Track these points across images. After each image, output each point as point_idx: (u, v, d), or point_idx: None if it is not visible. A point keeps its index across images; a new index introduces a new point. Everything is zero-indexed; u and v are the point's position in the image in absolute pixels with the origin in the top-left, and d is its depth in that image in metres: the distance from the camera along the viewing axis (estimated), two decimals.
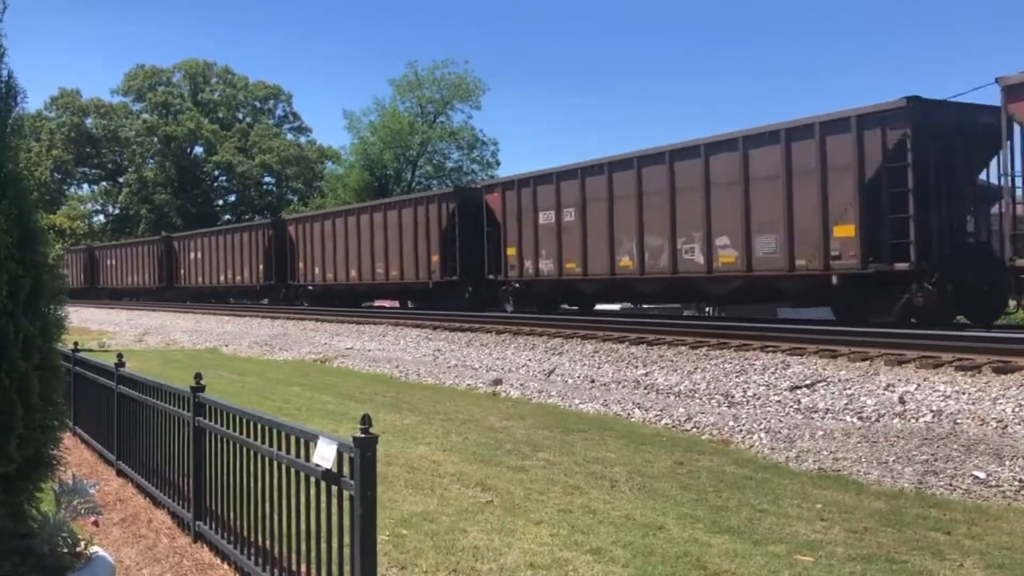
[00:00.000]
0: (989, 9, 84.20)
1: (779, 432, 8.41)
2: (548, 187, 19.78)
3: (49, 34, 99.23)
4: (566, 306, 22.26)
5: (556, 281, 20.01)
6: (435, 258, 23.50)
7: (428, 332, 19.53)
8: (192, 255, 39.91)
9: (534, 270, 20.29)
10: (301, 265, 31.18)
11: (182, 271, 40.85)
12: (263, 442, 4.24)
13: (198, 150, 67.74)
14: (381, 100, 54.30)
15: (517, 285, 21.30)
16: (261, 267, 33.49)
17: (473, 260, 22.28)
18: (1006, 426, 8.02)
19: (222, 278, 36.93)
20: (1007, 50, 77.86)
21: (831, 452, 7.59)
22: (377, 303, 32.69)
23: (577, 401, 10.88)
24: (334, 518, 3.60)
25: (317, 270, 30.15)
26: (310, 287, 31.39)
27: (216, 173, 67.84)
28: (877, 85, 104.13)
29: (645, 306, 23.68)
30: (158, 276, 42.51)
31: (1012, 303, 13.53)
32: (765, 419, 9.04)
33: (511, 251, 20.90)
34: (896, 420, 8.68)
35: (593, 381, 12.49)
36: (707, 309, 24.86)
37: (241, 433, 4.53)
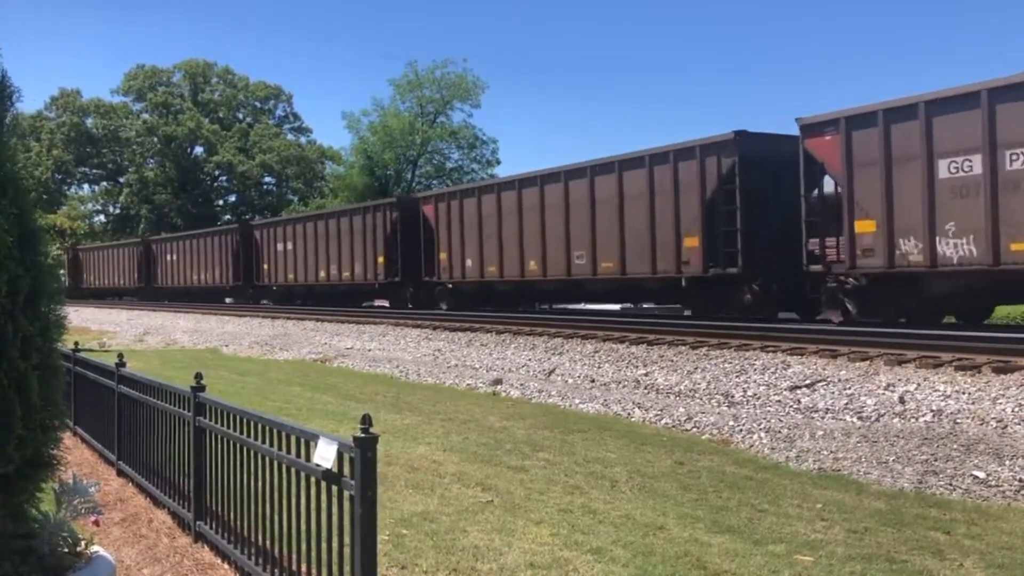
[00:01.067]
0: (989, 8, 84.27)
1: (779, 432, 8.41)
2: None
3: (49, 34, 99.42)
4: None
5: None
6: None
7: (428, 332, 19.54)
8: (168, 257, 42.27)
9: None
10: (265, 267, 33.64)
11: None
12: (263, 442, 4.24)
13: (198, 150, 67.77)
14: (380, 101, 54.51)
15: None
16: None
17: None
18: (1006, 426, 8.03)
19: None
20: (1008, 50, 77.89)
21: (831, 452, 7.59)
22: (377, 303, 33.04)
23: (577, 401, 10.88)
24: (334, 518, 3.60)
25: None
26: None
27: (216, 173, 67.84)
28: (878, 85, 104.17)
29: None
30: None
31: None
32: (765, 419, 9.04)
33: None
34: (896, 420, 8.69)
35: (593, 381, 12.49)
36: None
37: (242, 433, 4.53)
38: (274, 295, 34.09)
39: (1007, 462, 6.81)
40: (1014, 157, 11.77)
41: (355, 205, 32.69)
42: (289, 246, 31.51)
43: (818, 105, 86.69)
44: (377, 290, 27.06)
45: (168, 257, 42.08)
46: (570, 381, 12.76)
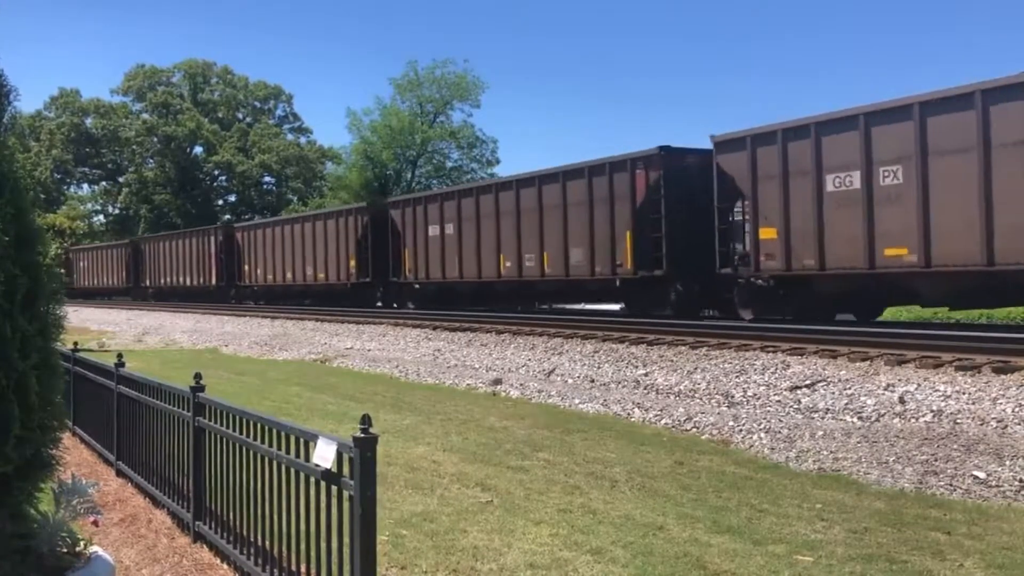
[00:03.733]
0: (989, 8, 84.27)
1: (779, 432, 8.41)
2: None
3: (49, 34, 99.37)
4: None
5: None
6: (352, 263, 27.31)
7: (428, 332, 19.53)
8: (155, 258, 43.15)
9: (425, 274, 24.16)
10: (247, 268, 34.99)
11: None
12: (263, 442, 4.24)
13: (198, 150, 67.74)
14: (382, 99, 54.39)
15: (417, 287, 25.07)
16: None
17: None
18: (1006, 426, 8.02)
19: (180, 279, 40.20)
20: (1008, 47, 77.88)
21: (831, 452, 7.59)
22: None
23: (577, 401, 10.87)
24: (334, 518, 3.60)
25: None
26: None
27: (216, 173, 67.82)
28: (878, 85, 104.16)
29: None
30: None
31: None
32: (765, 419, 9.03)
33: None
34: (896, 420, 8.68)
35: (593, 381, 12.49)
36: (708, 311, 26.28)
37: (241, 433, 4.52)
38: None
39: (1007, 462, 6.80)
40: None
41: (330, 209, 34.19)
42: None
43: (818, 105, 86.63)
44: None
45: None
46: (570, 381, 12.76)
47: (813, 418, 9.16)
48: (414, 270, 24.57)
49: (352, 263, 27.20)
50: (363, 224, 26.97)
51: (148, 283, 43.78)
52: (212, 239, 37.08)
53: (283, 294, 33.77)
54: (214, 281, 36.77)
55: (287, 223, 32.53)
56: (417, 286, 24.97)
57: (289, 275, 31.38)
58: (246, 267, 34.87)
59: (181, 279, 39.95)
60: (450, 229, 22.78)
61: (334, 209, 32.28)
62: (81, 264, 51.88)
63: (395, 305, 26.32)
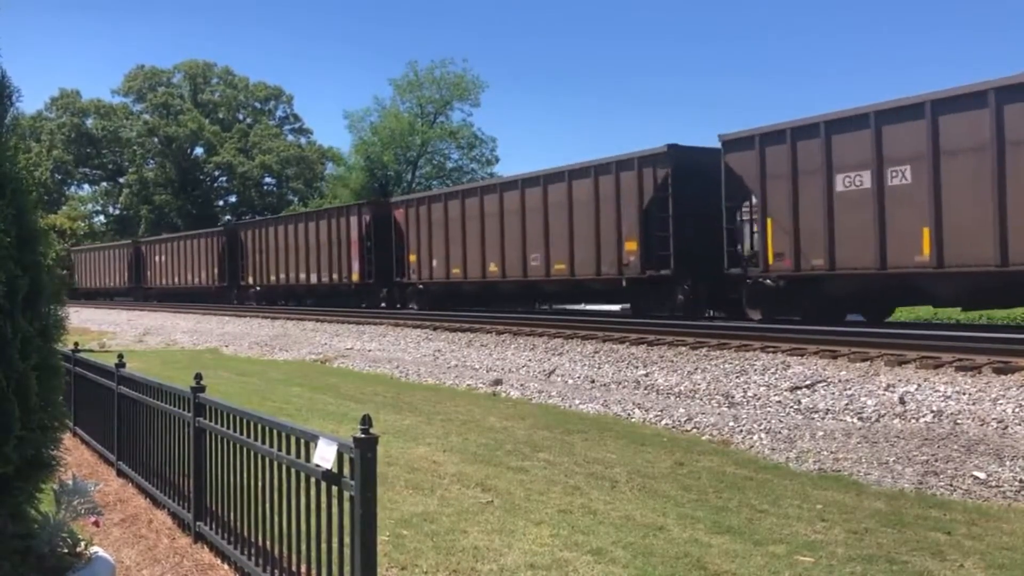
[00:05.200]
0: (989, 8, 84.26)
1: (779, 432, 8.41)
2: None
3: (49, 34, 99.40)
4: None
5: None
6: (356, 263, 27.24)
7: (428, 332, 19.53)
8: (157, 258, 43.27)
9: (429, 274, 24.09)
10: (250, 268, 34.84)
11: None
12: (263, 442, 4.24)
13: (199, 151, 67.75)
14: (382, 100, 54.42)
15: (421, 287, 24.98)
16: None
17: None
18: (1006, 426, 8.02)
19: (184, 280, 40.14)
20: (1009, 45, 77.88)
21: (831, 452, 7.59)
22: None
23: (577, 401, 10.87)
24: (334, 519, 3.60)
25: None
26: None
27: (216, 174, 67.82)
28: (878, 84, 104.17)
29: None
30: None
31: None
32: (765, 419, 9.03)
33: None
34: (896, 420, 8.68)
35: (593, 381, 12.49)
36: (709, 311, 26.21)
37: (241, 433, 4.52)
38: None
39: (1007, 463, 6.80)
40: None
41: (329, 208, 33.99)
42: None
43: (818, 105, 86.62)
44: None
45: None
46: (570, 382, 12.76)
47: (813, 418, 9.16)
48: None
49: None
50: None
51: (150, 284, 43.96)
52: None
53: (286, 294, 33.75)
54: (216, 282, 36.82)
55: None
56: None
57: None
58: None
59: (185, 280, 39.93)
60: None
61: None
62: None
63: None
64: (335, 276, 28.31)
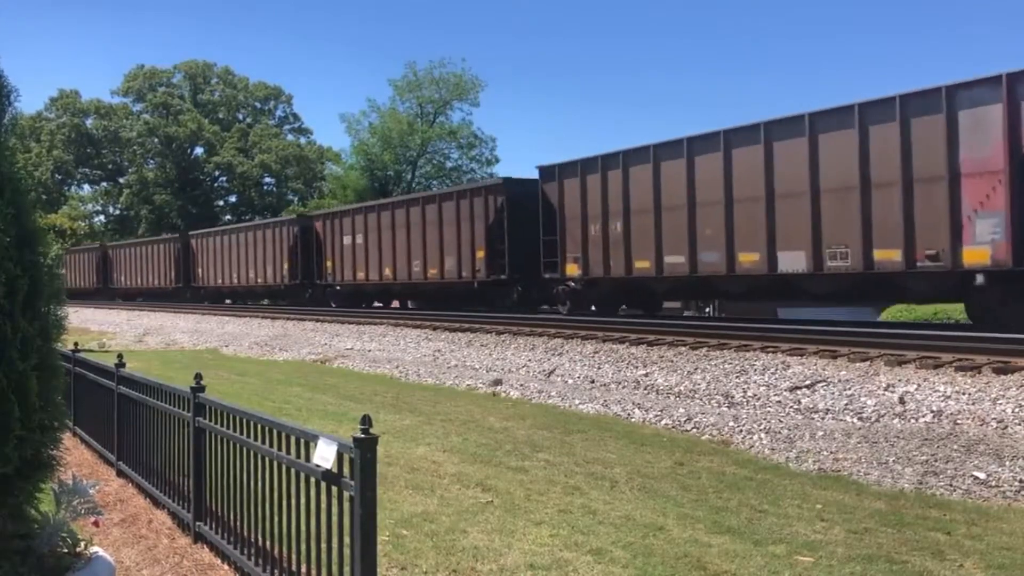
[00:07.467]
0: (990, 7, 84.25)
1: (779, 432, 8.41)
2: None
3: (49, 34, 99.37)
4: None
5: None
6: (286, 266, 32.14)
7: (428, 332, 19.54)
8: (125, 262, 46.34)
9: (341, 277, 28.87)
10: (200, 271, 39.87)
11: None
12: (263, 442, 4.24)
13: (199, 151, 67.73)
14: (376, 102, 54.61)
15: (339, 288, 29.63)
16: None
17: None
18: (1006, 426, 8.02)
19: (146, 281, 43.98)
20: (1008, 46, 77.85)
21: (831, 452, 7.59)
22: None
23: (577, 401, 10.87)
24: (334, 519, 3.60)
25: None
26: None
27: (216, 173, 67.79)
28: (877, 84, 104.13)
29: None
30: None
31: None
32: (765, 419, 9.03)
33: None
34: (896, 420, 8.68)
35: (593, 381, 12.49)
36: (706, 310, 27.98)
37: (241, 433, 4.52)
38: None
39: (1007, 463, 6.80)
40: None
41: (268, 220, 39.28)
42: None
43: (816, 103, 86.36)
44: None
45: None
46: (570, 382, 12.75)
47: (813, 418, 9.16)
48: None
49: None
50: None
51: (116, 285, 47.10)
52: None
53: (230, 294, 38.65)
54: (173, 283, 40.97)
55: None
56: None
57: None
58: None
59: (147, 281, 43.80)
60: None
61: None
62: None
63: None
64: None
